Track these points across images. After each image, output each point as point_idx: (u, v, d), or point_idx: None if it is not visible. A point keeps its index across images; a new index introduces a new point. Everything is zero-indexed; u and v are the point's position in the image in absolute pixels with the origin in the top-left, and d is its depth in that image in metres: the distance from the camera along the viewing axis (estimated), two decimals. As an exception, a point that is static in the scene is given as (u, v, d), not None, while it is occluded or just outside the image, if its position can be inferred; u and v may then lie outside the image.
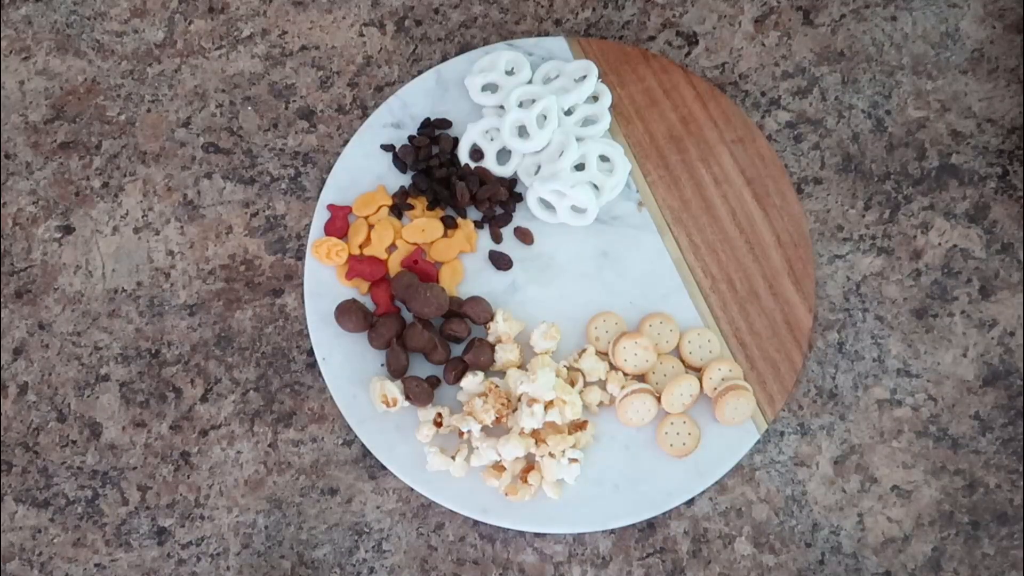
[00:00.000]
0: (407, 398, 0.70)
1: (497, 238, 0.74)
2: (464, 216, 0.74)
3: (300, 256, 0.75)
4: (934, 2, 0.78)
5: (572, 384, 0.70)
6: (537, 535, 0.71)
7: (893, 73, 0.76)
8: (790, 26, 0.78)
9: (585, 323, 0.72)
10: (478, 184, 0.74)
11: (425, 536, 0.71)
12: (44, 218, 0.77)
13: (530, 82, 0.76)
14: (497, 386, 0.69)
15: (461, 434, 0.70)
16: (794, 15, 0.78)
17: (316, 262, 0.74)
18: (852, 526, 0.70)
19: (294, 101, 0.78)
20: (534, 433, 0.69)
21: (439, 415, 0.70)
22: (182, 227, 0.76)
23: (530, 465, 0.69)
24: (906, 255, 0.74)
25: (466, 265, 0.74)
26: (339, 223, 0.74)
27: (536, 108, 0.73)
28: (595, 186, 0.73)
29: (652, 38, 0.78)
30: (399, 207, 0.74)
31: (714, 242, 0.73)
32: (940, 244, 0.74)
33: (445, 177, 0.74)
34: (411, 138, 0.75)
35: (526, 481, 0.69)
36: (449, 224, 0.74)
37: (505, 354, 0.70)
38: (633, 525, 0.70)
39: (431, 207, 0.74)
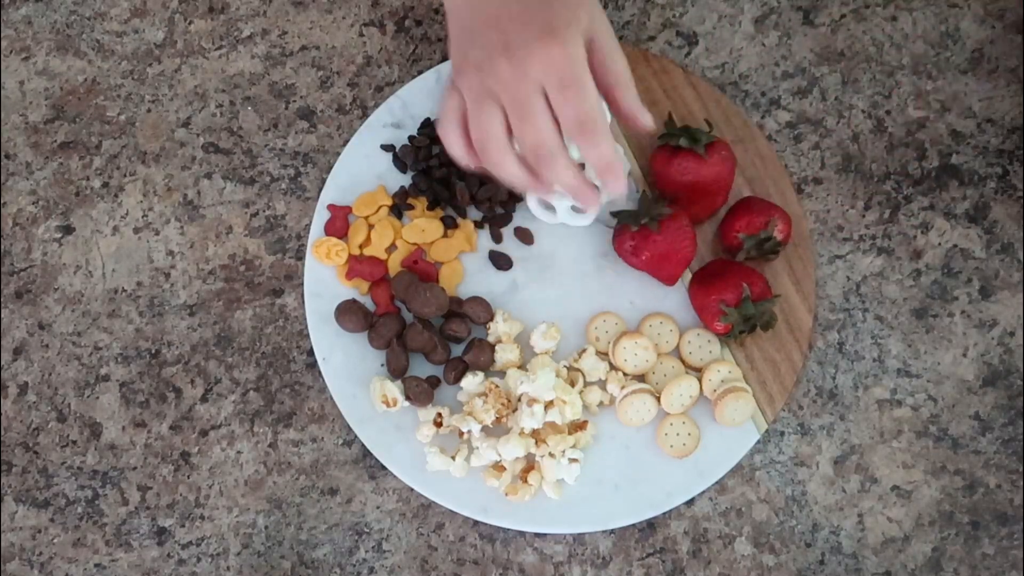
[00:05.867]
0: (407, 398, 0.70)
1: (497, 238, 0.74)
2: (464, 216, 0.74)
3: (300, 256, 0.75)
4: (934, 2, 0.78)
5: (572, 384, 0.70)
6: (537, 535, 0.71)
7: (893, 73, 0.76)
8: (790, 26, 0.78)
9: (585, 323, 0.72)
10: (478, 184, 0.74)
11: (425, 536, 0.71)
12: (44, 218, 0.77)
13: (530, 82, 0.75)
14: (497, 386, 0.69)
15: (461, 434, 0.70)
16: (794, 15, 0.78)
17: (316, 262, 0.74)
18: (852, 526, 0.70)
19: (294, 101, 0.78)
20: (534, 433, 0.69)
21: (439, 415, 0.70)
22: (182, 227, 0.76)
23: (530, 465, 0.69)
24: (906, 255, 0.74)
25: (466, 265, 0.74)
26: (339, 223, 0.74)
27: (536, 108, 0.73)
28: (595, 186, 0.73)
29: (652, 38, 0.78)
30: (399, 207, 0.74)
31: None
32: (940, 244, 0.74)
33: (445, 177, 0.74)
34: (411, 138, 0.75)
35: (526, 481, 0.69)
36: (449, 224, 0.74)
37: (505, 354, 0.70)
38: (633, 525, 0.70)
39: (431, 207, 0.74)
